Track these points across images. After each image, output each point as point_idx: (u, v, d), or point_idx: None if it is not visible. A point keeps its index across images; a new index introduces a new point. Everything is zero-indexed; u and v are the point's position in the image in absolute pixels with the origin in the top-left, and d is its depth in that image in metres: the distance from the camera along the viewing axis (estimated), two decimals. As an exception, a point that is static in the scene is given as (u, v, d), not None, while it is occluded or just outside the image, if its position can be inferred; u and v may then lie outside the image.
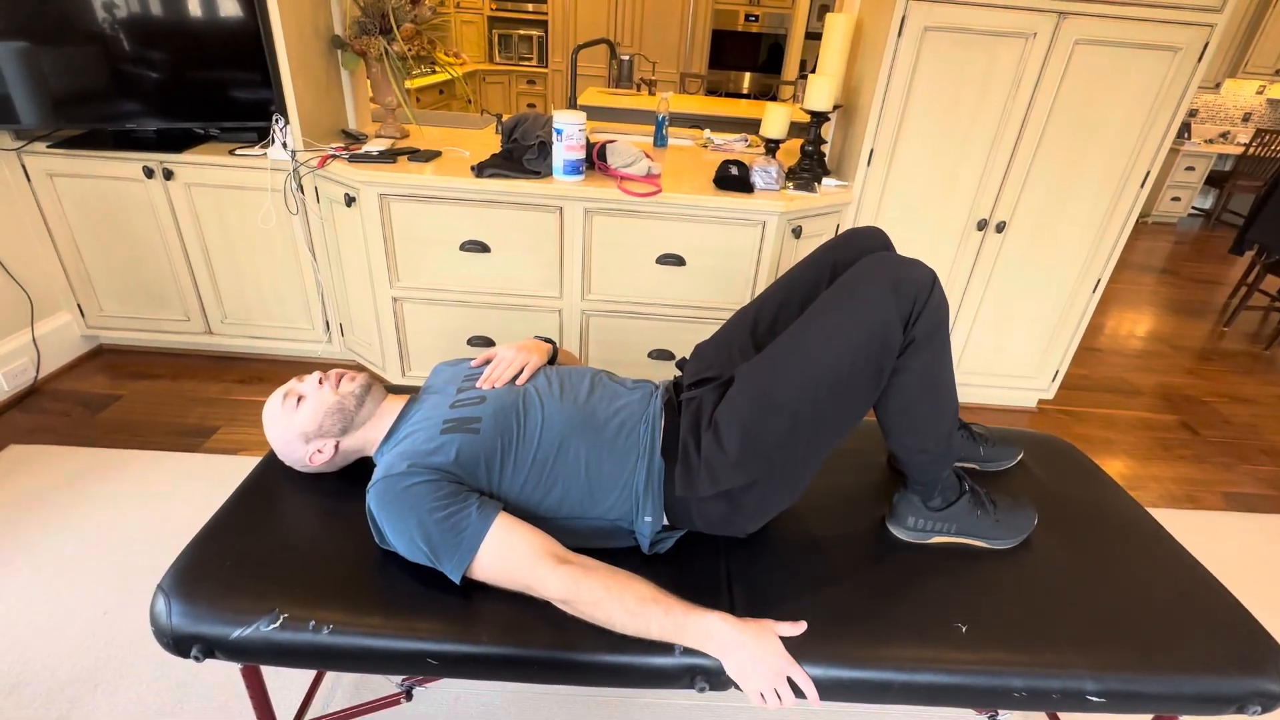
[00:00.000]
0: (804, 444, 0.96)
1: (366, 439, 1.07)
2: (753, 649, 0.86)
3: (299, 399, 1.06)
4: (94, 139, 2.08)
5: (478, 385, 1.07)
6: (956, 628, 0.94)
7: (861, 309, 0.90)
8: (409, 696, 1.24)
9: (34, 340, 2.16)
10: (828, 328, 0.92)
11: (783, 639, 0.90)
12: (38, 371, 2.19)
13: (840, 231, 2.11)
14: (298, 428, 1.05)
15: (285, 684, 1.29)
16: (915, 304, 0.89)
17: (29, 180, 2.06)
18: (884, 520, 1.12)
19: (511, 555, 0.88)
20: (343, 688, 1.32)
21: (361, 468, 1.12)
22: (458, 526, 0.88)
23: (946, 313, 0.93)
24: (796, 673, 0.87)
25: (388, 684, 1.29)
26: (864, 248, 1.11)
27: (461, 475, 0.94)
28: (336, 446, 1.06)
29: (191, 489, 1.77)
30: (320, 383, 1.06)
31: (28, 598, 1.44)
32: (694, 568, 1.02)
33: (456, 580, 0.89)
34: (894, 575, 1.03)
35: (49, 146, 2.01)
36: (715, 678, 0.89)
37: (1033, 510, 1.12)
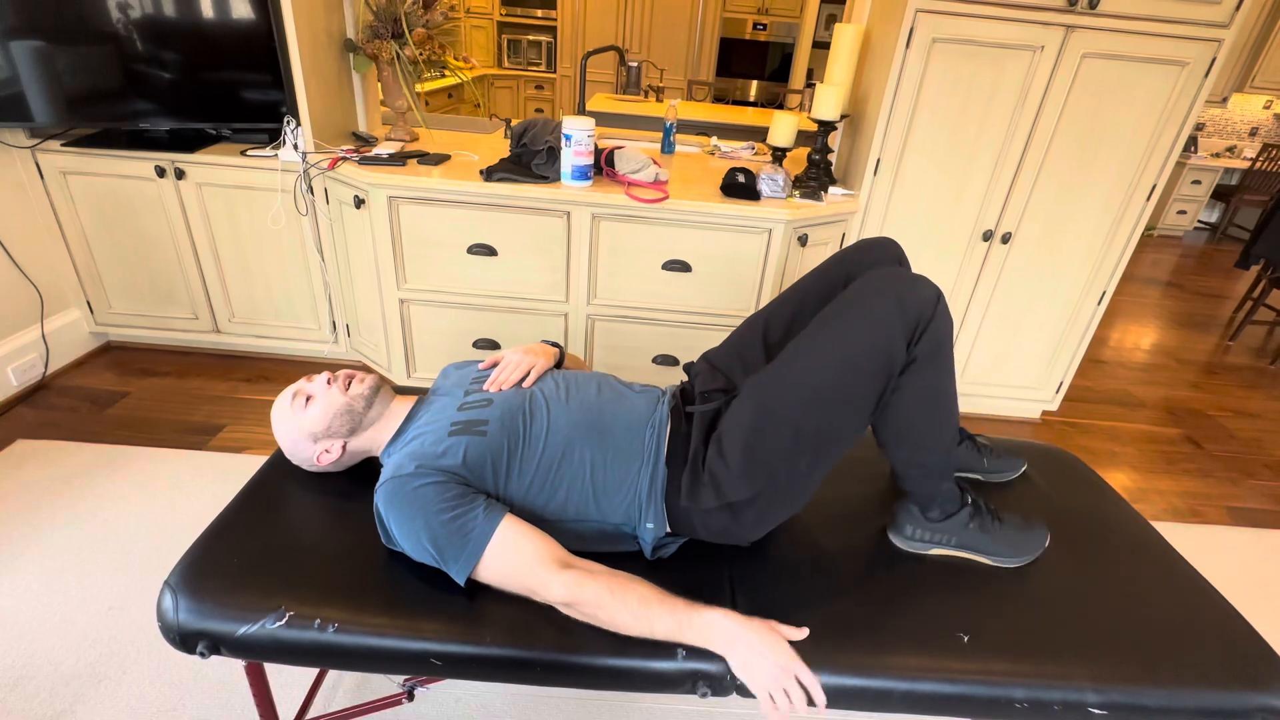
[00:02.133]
0: (806, 457, 0.97)
1: (374, 440, 1.08)
2: (758, 645, 0.86)
3: (308, 399, 1.06)
4: (107, 138, 2.10)
5: (485, 388, 1.08)
6: (958, 637, 0.94)
7: (865, 326, 0.90)
8: (410, 697, 1.25)
9: (43, 336, 2.18)
10: (831, 343, 0.92)
11: None
12: (46, 367, 2.20)
13: (850, 242, 2.12)
14: (306, 428, 1.06)
15: (287, 682, 1.29)
16: (919, 322, 0.89)
17: (42, 178, 2.08)
18: (886, 528, 1.13)
19: (516, 558, 0.89)
20: (344, 687, 1.33)
21: (368, 467, 1.13)
22: (464, 529, 0.89)
23: (950, 331, 0.93)
24: (804, 672, 0.86)
25: (389, 684, 1.30)
26: (877, 258, 1.11)
27: (469, 477, 0.95)
28: (344, 447, 1.07)
29: (197, 487, 1.78)
30: (329, 383, 1.07)
31: (33, 592, 1.45)
32: (697, 573, 1.03)
33: (461, 582, 0.90)
34: (896, 584, 1.03)
35: (63, 145, 2.03)
36: (717, 682, 0.89)
37: (1044, 532, 1.11)
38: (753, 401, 0.98)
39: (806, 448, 0.96)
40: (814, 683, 0.86)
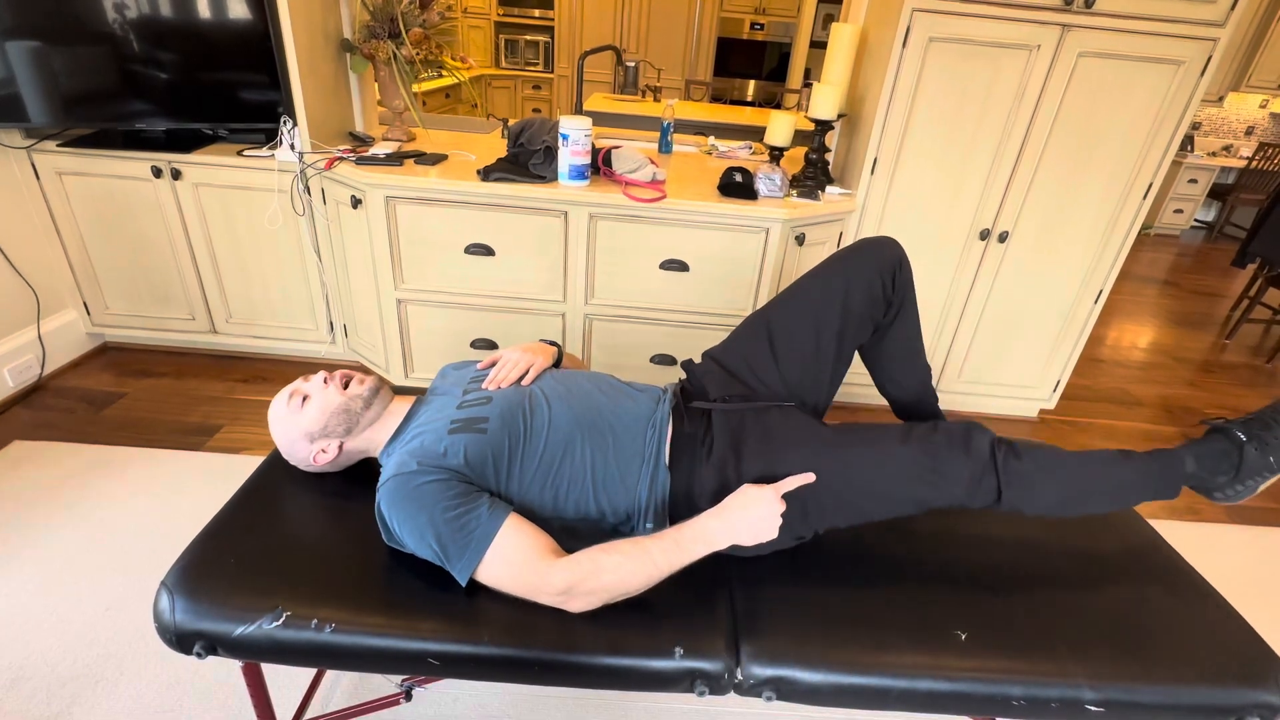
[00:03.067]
0: (844, 520, 1.04)
1: (371, 440, 1.08)
2: (742, 513, 0.93)
3: (304, 399, 1.06)
4: (103, 138, 2.09)
5: (484, 386, 1.08)
6: (956, 635, 0.94)
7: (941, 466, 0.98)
8: (408, 697, 1.25)
9: (39, 337, 2.17)
10: (903, 463, 1.00)
11: (781, 645, 0.90)
12: (43, 368, 2.20)
13: (848, 241, 2.12)
14: (303, 427, 1.05)
15: (285, 683, 1.29)
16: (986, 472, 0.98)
17: (38, 178, 2.07)
18: (885, 525, 1.13)
19: (518, 555, 0.89)
20: (342, 687, 1.33)
21: (365, 467, 1.13)
22: (467, 527, 0.89)
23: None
24: (780, 491, 0.95)
25: (387, 684, 1.29)
26: (877, 259, 1.12)
27: (471, 475, 0.95)
28: (340, 447, 1.07)
29: (194, 487, 1.78)
30: (326, 383, 1.07)
31: (30, 593, 1.45)
32: (695, 570, 1.02)
33: (463, 581, 0.89)
34: (893, 582, 1.03)
35: (59, 145, 2.03)
36: (715, 681, 0.89)
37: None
38: (833, 456, 1.02)
39: (849, 516, 1.03)
40: (795, 481, 0.96)
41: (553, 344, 1.23)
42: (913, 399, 1.23)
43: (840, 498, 1.01)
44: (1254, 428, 1.02)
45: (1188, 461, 1.04)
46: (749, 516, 0.92)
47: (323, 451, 1.07)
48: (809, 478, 0.97)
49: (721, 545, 0.92)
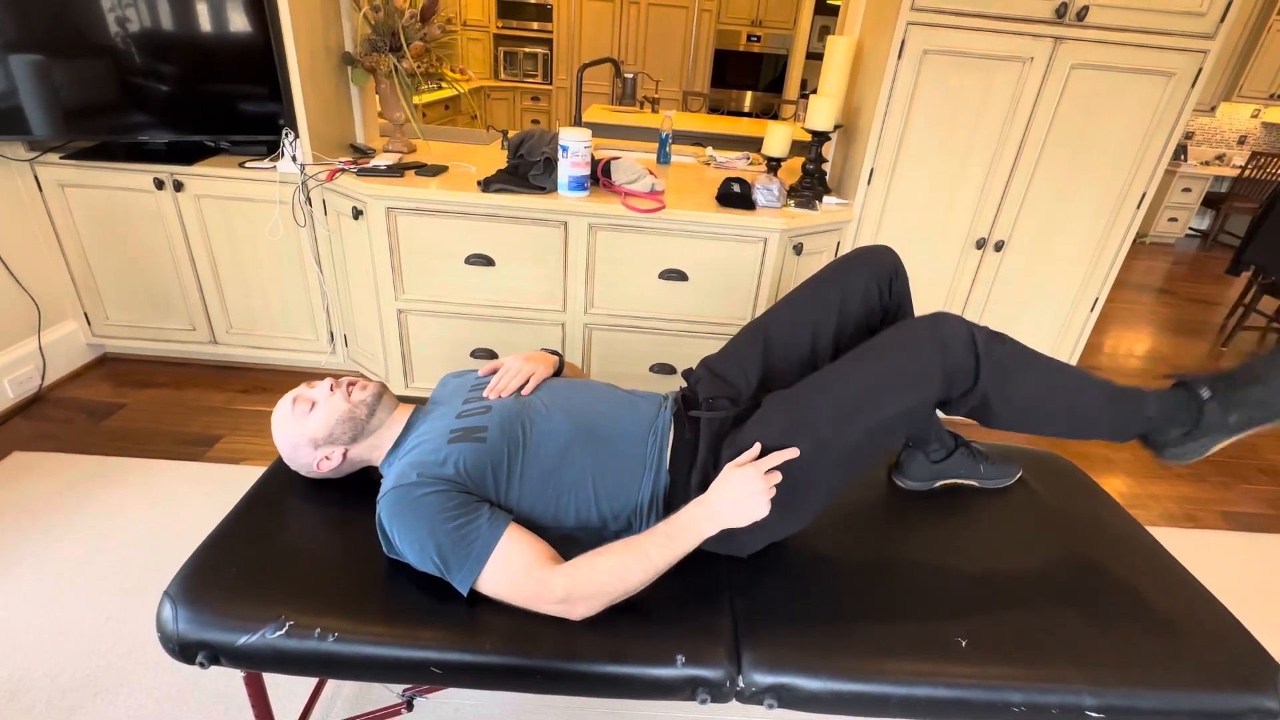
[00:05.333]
0: (828, 473, 0.99)
1: (375, 448, 1.08)
2: (725, 492, 0.92)
3: (311, 405, 1.07)
4: (106, 151, 2.11)
5: (485, 395, 1.09)
6: (956, 642, 0.94)
7: (907, 356, 0.95)
8: (410, 707, 1.24)
9: (40, 348, 2.18)
10: (875, 371, 0.96)
11: (782, 653, 0.90)
12: (43, 379, 2.20)
13: (845, 250, 2.14)
14: (308, 433, 1.06)
15: (286, 694, 1.29)
16: (962, 363, 0.94)
17: (41, 191, 2.09)
18: (885, 533, 1.14)
19: (518, 565, 0.89)
20: (343, 698, 1.32)
21: (366, 476, 1.13)
22: (468, 537, 0.89)
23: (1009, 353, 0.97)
24: (762, 467, 0.93)
25: (388, 694, 1.29)
26: (873, 267, 1.13)
27: (470, 485, 0.95)
28: (344, 454, 1.07)
29: (193, 498, 1.78)
30: (332, 389, 1.07)
31: (29, 604, 1.45)
32: (695, 577, 1.03)
33: (464, 592, 0.90)
34: (893, 589, 1.04)
35: (61, 158, 2.04)
36: (716, 689, 0.90)
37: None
38: (784, 416, 0.99)
39: (831, 464, 0.98)
40: (779, 456, 0.94)
41: (554, 353, 1.24)
42: None
43: (823, 446, 0.96)
44: (1220, 385, 0.99)
45: (1150, 403, 1.01)
46: (732, 494, 0.91)
47: (327, 458, 1.07)
48: (793, 452, 0.94)
49: (711, 529, 0.91)
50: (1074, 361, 2.34)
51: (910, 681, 0.90)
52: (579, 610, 0.89)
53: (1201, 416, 0.99)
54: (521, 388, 1.11)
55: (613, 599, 0.89)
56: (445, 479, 0.94)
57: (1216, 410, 0.98)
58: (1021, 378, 0.97)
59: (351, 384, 1.09)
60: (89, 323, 2.31)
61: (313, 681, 1.30)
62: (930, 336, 0.95)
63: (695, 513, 0.92)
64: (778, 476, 0.93)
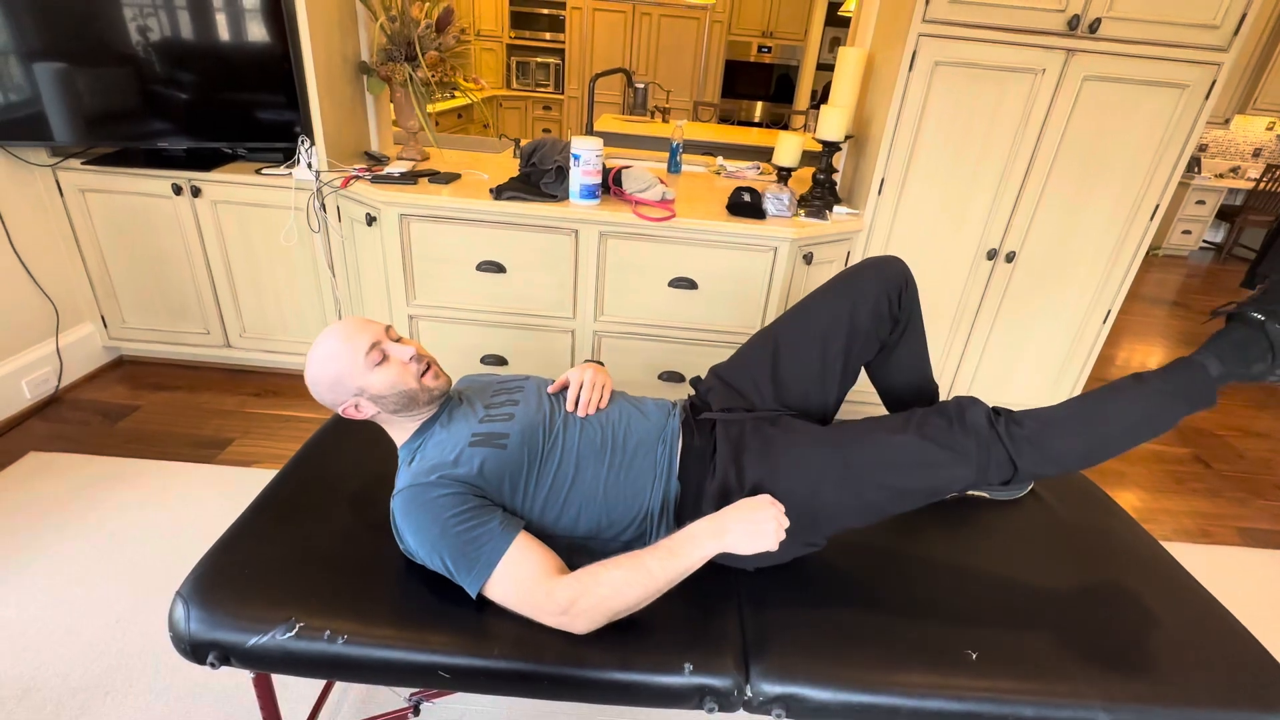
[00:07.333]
0: (840, 523, 1.03)
1: (404, 428, 1.05)
2: (737, 519, 0.91)
3: (383, 358, 0.99)
4: (125, 156, 2.14)
5: (578, 413, 1.08)
6: (966, 654, 0.93)
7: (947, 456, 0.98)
8: (416, 711, 1.24)
9: (58, 350, 2.21)
10: (904, 452, 0.99)
11: (791, 662, 0.90)
12: (59, 381, 2.23)
13: (855, 260, 2.14)
14: (360, 381, 0.98)
15: (293, 696, 1.29)
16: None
17: (62, 195, 2.12)
18: (896, 544, 1.13)
19: (525, 573, 0.89)
20: (350, 701, 1.33)
21: (380, 478, 1.14)
22: (478, 541, 0.89)
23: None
24: (778, 513, 0.92)
25: (395, 698, 1.29)
26: (883, 277, 1.13)
27: (485, 489, 0.96)
28: (375, 415, 1.03)
29: (206, 500, 1.79)
30: (410, 360, 1.00)
31: (41, 603, 1.46)
32: (704, 587, 1.03)
33: (473, 595, 0.90)
34: (904, 600, 1.03)
35: (83, 164, 2.08)
36: (724, 698, 0.89)
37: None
38: (832, 453, 1.01)
39: (849, 515, 1.02)
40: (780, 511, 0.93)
41: (598, 363, 1.22)
42: None
43: (846, 497, 0.99)
44: (1267, 303, 1.00)
45: (1211, 365, 1.00)
46: (744, 523, 0.90)
47: (356, 408, 1.00)
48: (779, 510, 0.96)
49: (714, 550, 0.89)
50: (1085, 375, 2.32)
51: (920, 694, 0.89)
52: (579, 624, 0.88)
53: (1271, 340, 0.99)
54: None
55: (613, 614, 0.88)
56: (461, 480, 0.94)
57: (1278, 326, 0.99)
58: (1058, 440, 0.99)
59: (429, 367, 1.03)
60: (106, 326, 2.34)
61: (320, 684, 1.30)
62: (959, 420, 0.99)
63: (701, 529, 0.91)
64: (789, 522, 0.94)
